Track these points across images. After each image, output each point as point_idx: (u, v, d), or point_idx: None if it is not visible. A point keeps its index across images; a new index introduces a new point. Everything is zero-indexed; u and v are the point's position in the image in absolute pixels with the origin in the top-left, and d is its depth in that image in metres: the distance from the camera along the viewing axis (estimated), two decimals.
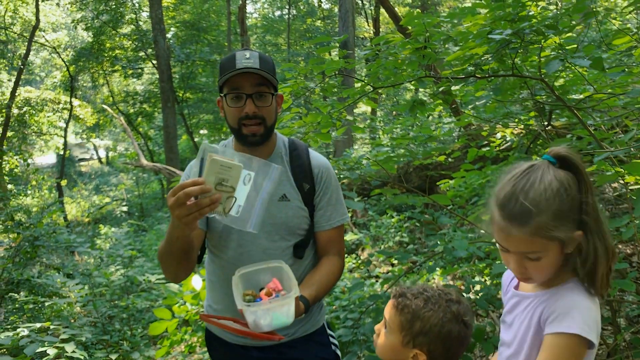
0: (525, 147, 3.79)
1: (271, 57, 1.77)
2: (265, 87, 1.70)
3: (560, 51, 2.44)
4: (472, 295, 3.45)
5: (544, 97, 3.08)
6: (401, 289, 1.41)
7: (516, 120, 3.79)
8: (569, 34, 2.48)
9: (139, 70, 18.58)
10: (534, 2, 2.68)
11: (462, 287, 3.38)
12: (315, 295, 1.71)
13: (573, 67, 2.54)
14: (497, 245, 1.21)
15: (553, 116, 3.43)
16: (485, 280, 3.95)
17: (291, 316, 1.49)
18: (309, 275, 1.80)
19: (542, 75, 2.59)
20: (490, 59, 2.62)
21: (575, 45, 2.63)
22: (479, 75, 2.68)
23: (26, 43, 18.40)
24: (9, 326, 4.85)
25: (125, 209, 16.40)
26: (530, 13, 2.59)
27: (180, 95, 18.45)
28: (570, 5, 2.85)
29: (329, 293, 3.95)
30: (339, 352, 1.95)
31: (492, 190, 1.21)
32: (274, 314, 1.46)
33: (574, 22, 2.54)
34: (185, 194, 1.35)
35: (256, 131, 1.70)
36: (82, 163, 29.79)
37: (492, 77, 2.75)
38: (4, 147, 15.02)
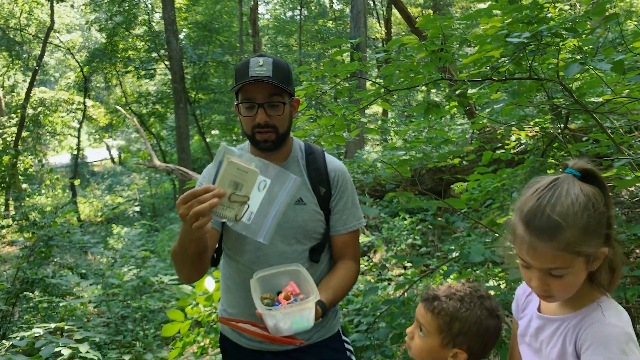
0: (540, 150, 3.74)
1: (286, 61, 1.75)
2: (278, 96, 1.69)
3: (579, 54, 2.40)
4: None
5: (560, 99, 3.04)
6: (433, 292, 1.42)
7: (532, 122, 3.75)
8: (588, 37, 2.45)
9: (152, 71, 18.70)
10: (552, 4, 2.65)
11: None
12: (332, 300, 1.70)
13: (592, 70, 2.50)
14: (519, 261, 1.17)
15: (569, 118, 3.39)
16: (500, 285, 3.91)
17: (311, 320, 1.49)
18: (326, 279, 1.79)
19: (560, 78, 2.56)
20: (507, 61, 2.59)
21: (592, 47, 2.60)
22: (495, 78, 2.66)
23: (41, 44, 18.63)
24: (23, 325, 4.90)
25: (137, 209, 16.51)
26: (548, 15, 2.55)
27: (193, 96, 18.53)
28: (589, 6, 2.81)
29: None
30: (353, 358, 1.94)
31: (514, 205, 1.17)
32: (294, 318, 1.46)
33: (593, 26, 2.50)
34: (198, 202, 1.34)
35: (268, 138, 1.70)
36: (95, 163, 30.05)
37: (509, 80, 2.72)
38: (19, 147, 15.19)
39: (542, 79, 2.61)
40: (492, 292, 3.30)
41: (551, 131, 3.59)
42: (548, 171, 3.68)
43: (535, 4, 2.39)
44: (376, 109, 17.59)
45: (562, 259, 1.08)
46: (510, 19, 2.52)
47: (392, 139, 9.80)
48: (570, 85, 2.67)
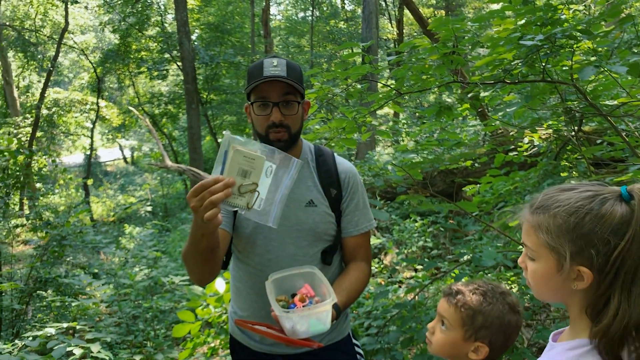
0: (554, 152, 3.71)
1: (298, 64, 1.76)
2: (292, 95, 1.69)
3: (593, 56, 2.37)
4: None
5: (574, 102, 3.01)
6: (455, 288, 1.44)
7: (545, 125, 3.72)
8: (603, 39, 2.41)
9: (164, 72, 18.80)
10: (566, 6, 2.62)
11: None
12: (345, 302, 1.70)
13: (607, 72, 2.47)
14: None
15: (583, 121, 3.35)
16: (513, 289, 3.87)
17: (328, 323, 1.49)
18: (338, 281, 1.78)
19: (574, 81, 2.53)
20: (520, 64, 2.56)
21: (607, 49, 2.56)
22: (508, 81, 2.63)
23: (55, 45, 18.84)
24: (36, 324, 4.95)
25: (149, 209, 16.61)
26: (562, 17, 2.53)
27: (204, 96, 18.61)
28: (604, 7, 2.78)
29: None
30: None
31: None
32: (311, 320, 1.46)
33: (608, 27, 2.47)
34: (210, 193, 1.32)
35: (281, 137, 1.70)
36: (107, 163, 30.31)
37: (522, 82, 2.69)
38: (34, 146, 15.36)
39: (555, 82, 2.59)
40: None
41: (565, 134, 3.55)
42: (561, 174, 3.64)
43: (549, 6, 2.37)
44: (387, 110, 17.54)
45: (533, 239, 1.04)
46: (524, 21, 2.50)
47: (403, 141, 9.76)
48: (585, 88, 2.63)
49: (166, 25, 19.26)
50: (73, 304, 4.77)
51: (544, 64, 2.46)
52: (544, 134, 4.10)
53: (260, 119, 1.70)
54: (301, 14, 24.78)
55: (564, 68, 2.90)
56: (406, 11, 18.35)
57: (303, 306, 1.51)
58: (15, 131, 15.27)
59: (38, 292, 5.31)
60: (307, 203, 1.77)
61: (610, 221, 0.96)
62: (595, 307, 0.99)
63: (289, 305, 1.53)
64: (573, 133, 3.33)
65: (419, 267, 5.61)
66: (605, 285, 0.97)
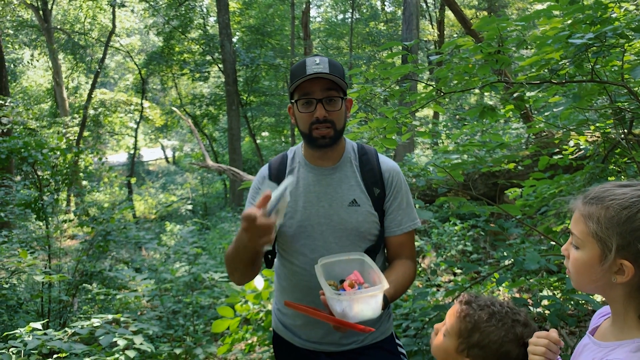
0: (601, 156, 3.59)
1: (339, 62, 1.77)
2: (334, 91, 1.70)
3: None
4: (540, 310, 3.31)
5: (625, 103, 2.91)
6: (469, 297, 1.38)
7: (592, 127, 3.61)
8: None
9: (206, 74, 19.18)
10: (617, 4, 2.54)
11: (530, 301, 3.25)
12: (392, 294, 1.68)
13: None
14: None
15: (634, 123, 3.24)
16: (556, 295, 3.77)
17: (378, 309, 1.48)
18: (386, 274, 1.74)
19: (624, 81, 2.45)
20: (567, 64, 2.50)
21: None
22: (555, 81, 2.57)
23: (103, 47, 19.50)
24: (82, 315, 5.14)
25: (190, 207, 16.96)
26: (613, 15, 2.45)
27: (244, 98, 18.87)
28: None
29: None
30: None
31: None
32: (361, 305, 1.45)
33: None
34: (259, 232, 1.41)
35: (326, 134, 1.70)
36: (150, 162, 31.10)
37: (569, 83, 2.63)
38: (81, 145, 15.94)
39: (605, 82, 2.51)
40: (546, 302, 3.20)
41: (613, 136, 3.44)
42: (609, 178, 3.52)
43: (599, 4, 2.30)
44: (427, 112, 17.35)
45: (581, 227, 1.05)
46: (572, 20, 2.44)
47: (442, 143, 9.64)
48: (636, 89, 2.55)
49: (208, 27, 19.63)
50: (117, 297, 4.92)
51: (592, 64, 2.39)
52: (590, 137, 3.98)
53: (305, 116, 1.71)
54: (340, 16, 24.81)
55: (614, 68, 2.82)
56: (447, 12, 18.13)
57: (355, 291, 1.50)
58: (64, 130, 15.88)
59: (84, 284, 5.51)
60: (350, 203, 1.76)
61: None
62: None
63: (338, 290, 1.53)
64: (622, 136, 3.22)
65: (458, 271, 5.53)
66: None
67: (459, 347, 1.32)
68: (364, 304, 1.45)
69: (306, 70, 1.67)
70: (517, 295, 4.53)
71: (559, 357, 1.23)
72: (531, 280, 4.00)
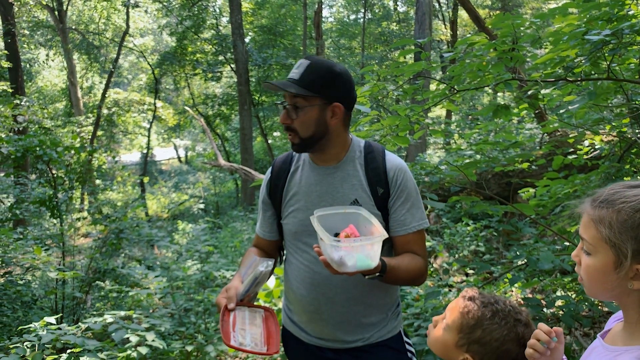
0: (617, 155, 3.55)
1: (330, 65, 1.69)
2: (300, 99, 1.67)
3: None
4: (554, 310, 3.28)
5: None
6: (473, 293, 1.38)
7: (608, 126, 3.56)
8: None
9: (218, 74, 19.27)
10: (634, 1, 2.51)
11: (544, 302, 3.21)
12: (394, 265, 1.62)
13: None
14: None
15: None
16: (570, 295, 3.73)
17: (376, 259, 1.46)
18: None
19: None
20: (583, 61, 2.47)
21: None
22: (570, 79, 2.54)
23: (117, 48, 19.68)
24: (95, 312, 5.18)
25: (202, 206, 17.03)
26: (630, 12, 2.42)
27: (256, 98, 18.93)
28: None
29: (403, 298, 3.88)
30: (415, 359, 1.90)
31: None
32: (358, 255, 1.44)
33: None
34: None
35: (292, 140, 1.73)
36: (162, 161, 31.32)
37: (585, 81, 2.59)
38: (95, 144, 16.10)
39: (621, 80, 2.48)
40: (560, 303, 3.17)
41: (629, 136, 3.40)
42: (625, 178, 3.48)
43: (616, 0, 2.27)
44: (439, 111, 17.27)
45: (592, 232, 1.00)
46: (587, 17, 2.41)
47: (455, 143, 9.59)
48: None
49: (221, 28, 19.72)
50: (129, 294, 4.96)
51: (609, 62, 2.36)
52: (606, 136, 3.93)
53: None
54: (353, 16, 24.79)
55: (631, 66, 2.78)
56: (460, 12, 18.04)
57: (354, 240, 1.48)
58: (78, 130, 16.05)
59: (97, 282, 5.55)
60: (352, 202, 1.73)
61: None
62: None
63: None
64: (639, 135, 3.18)
65: (471, 271, 5.50)
66: None
67: (458, 341, 1.31)
68: (361, 253, 1.43)
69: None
70: (530, 295, 4.49)
71: (564, 357, 1.21)
72: (545, 281, 3.96)
